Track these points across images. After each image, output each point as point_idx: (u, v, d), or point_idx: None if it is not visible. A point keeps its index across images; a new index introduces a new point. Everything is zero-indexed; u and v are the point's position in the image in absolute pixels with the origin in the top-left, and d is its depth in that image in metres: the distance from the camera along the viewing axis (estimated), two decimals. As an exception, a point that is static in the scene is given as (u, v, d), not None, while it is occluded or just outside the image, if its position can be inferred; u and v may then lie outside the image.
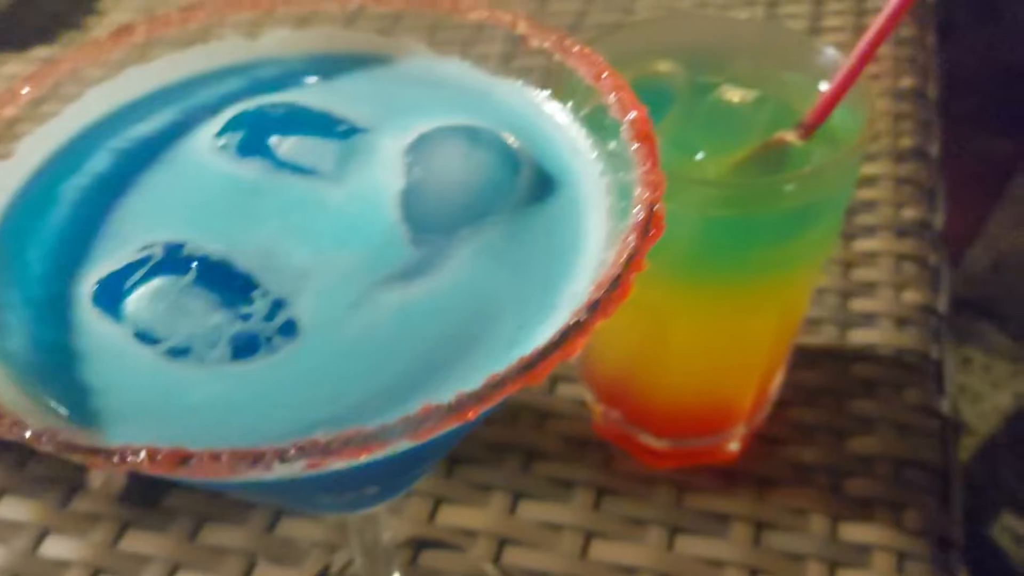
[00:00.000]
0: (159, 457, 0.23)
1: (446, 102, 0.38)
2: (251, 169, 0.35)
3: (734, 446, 0.61)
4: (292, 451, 0.23)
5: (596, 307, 0.27)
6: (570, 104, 0.37)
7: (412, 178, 0.34)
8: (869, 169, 0.80)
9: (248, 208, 0.33)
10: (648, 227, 0.29)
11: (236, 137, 0.35)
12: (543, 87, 0.38)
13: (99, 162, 0.35)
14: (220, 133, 0.36)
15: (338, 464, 0.24)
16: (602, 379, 0.61)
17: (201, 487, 0.39)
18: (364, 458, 0.24)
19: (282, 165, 0.35)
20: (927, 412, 0.64)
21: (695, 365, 0.56)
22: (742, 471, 0.61)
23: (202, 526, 0.59)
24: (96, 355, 0.29)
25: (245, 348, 0.29)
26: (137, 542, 0.59)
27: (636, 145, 0.32)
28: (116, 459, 0.23)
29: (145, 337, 0.29)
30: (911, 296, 0.70)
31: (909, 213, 0.76)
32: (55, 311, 0.30)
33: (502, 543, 0.58)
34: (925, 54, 0.92)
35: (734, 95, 0.54)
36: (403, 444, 0.24)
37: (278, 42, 0.40)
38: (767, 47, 0.55)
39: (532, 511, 0.59)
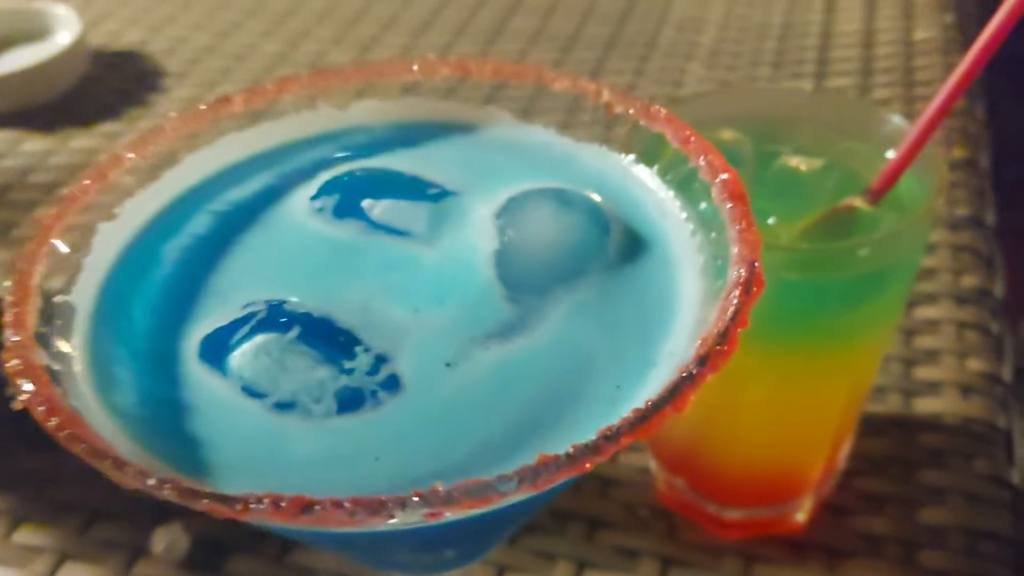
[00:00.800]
0: (283, 504, 0.23)
1: (532, 167, 0.39)
2: (346, 231, 0.36)
3: (802, 516, 0.60)
4: (414, 500, 0.23)
5: (705, 361, 0.27)
6: (656, 167, 0.37)
7: (504, 239, 0.34)
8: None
9: (345, 268, 0.34)
10: (751, 285, 0.29)
11: (331, 200, 0.36)
12: (628, 152, 0.38)
13: (198, 224, 0.36)
14: (315, 196, 0.37)
15: (454, 515, 0.24)
16: (667, 446, 0.61)
17: (291, 536, 0.38)
18: (481, 509, 0.24)
19: (377, 227, 0.36)
20: (997, 482, 0.62)
21: (764, 432, 0.56)
22: (810, 542, 0.60)
23: (266, 593, 0.59)
24: (203, 409, 0.30)
25: (350, 402, 0.29)
26: (201, 608, 0.59)
27: (730, 205, 0.32)
28: (239, 507, 0.24)
29: (251, 391, 0.30)
30: (975, 364, 0.69)
31: (968, 281, 0.76)
32: (162, 366, 0.31)
33: (569, 613, 0.57)
34: (976, 125, 0.93)
35: (800, 162, 0.55)
36: (519, 496, 0.24)
37: (367, 111, 0.41)
38: (830, 116, 0.56)
39: (598, 580, 0.59)
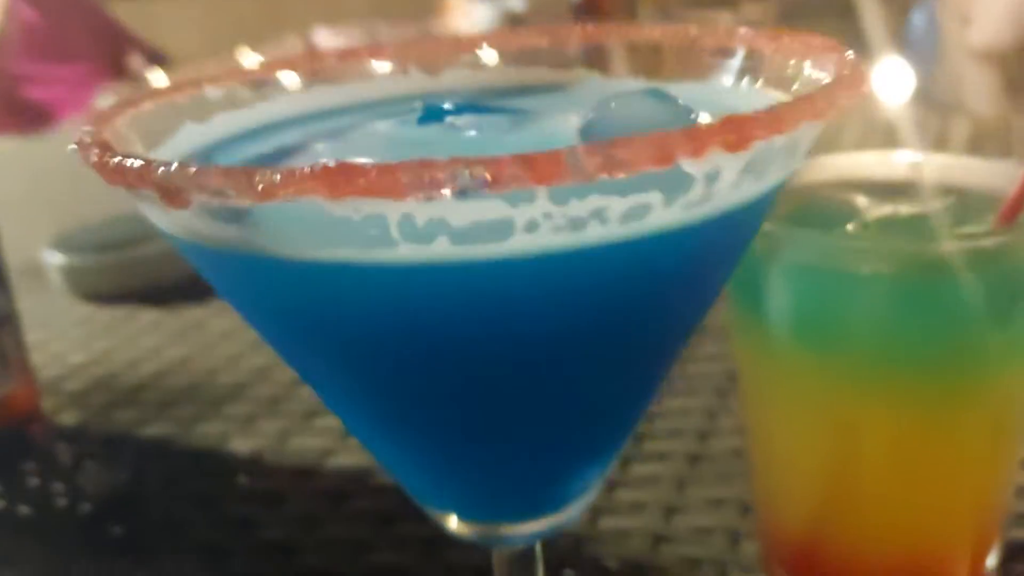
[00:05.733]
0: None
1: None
2: (429, 132, 0.35)
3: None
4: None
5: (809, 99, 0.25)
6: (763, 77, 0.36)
7: (589, 117, 0.33)
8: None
9: (422, 152, 0.33)
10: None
11: (415, 114, 0.36)
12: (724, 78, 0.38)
13: (289, 136, 0.37)
14: (398, 115, 0.37)
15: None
16: (785, 542, 0.53)
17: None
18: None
19: (459, 128, 0.35)
20: None
21: (891, 500, 0.48)
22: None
23: None
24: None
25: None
26: None
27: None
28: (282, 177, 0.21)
29: None
30: None
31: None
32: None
33: None
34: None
35: (918, 204, 0.52)
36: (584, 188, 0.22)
37: (458, 78, 0.42)
38: (943, 170, 0.54)
39: None
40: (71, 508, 0.64)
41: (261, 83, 0.38)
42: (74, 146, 0.25)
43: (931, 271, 0.44)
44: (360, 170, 0.21)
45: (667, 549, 0.58)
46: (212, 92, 0.37)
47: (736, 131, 0.23)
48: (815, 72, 0.32)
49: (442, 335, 0.26)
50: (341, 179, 0.21)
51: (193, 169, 0.22)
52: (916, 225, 0.49)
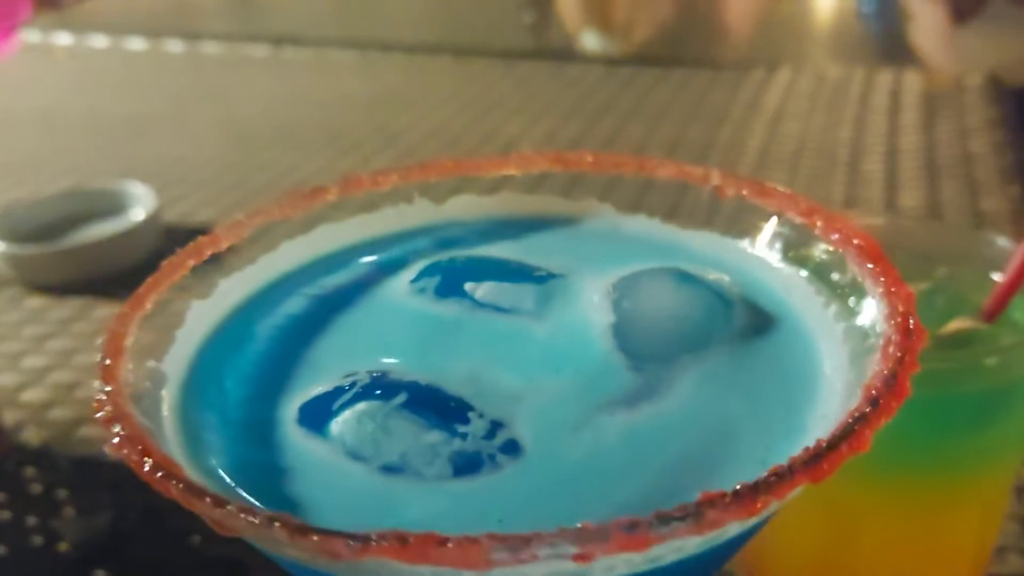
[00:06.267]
0: (411, 540, 0.20)
1: (639, 253, 0.37)
2: (450, 308, 0.34)
3: None
4: (560, 535, 0.20)
5: (877, 402, 0.24)
6: (777, 246, 0.35)
7: (622, 312, 0.32)
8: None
9: (450, 342, 0.32)
10: (911, 332, 0.26)
11: (433, 282, 0.35)
12: (741, 235, 0.37)
13: (293, 304, 0.35)
14: (416, 279, 0.35)
15: (607, 558, 0.21)
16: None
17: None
18: (639, 553, 0.20)
19: (481, 305, 0.34)
20: None
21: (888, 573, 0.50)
22: None
23: None
24: (302, 471, 0.27)
25: (467, 466, 0.26)
26: None
27: (870, 265, 0.30)
28: (355, 544, 0.20)
29: (355, 455, 0.27)
30: (1100, 522, 0.63)
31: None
32: (257, 432, 0.28)
33: None
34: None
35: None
36: (679, 539, 0.21)
37: (463, 206, 0.40)
38: (930, 243, 0.54)
39: None
40: (47, 547, 0.63)
41: (260, 235, 0.36)
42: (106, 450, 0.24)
43: (924, 385, 0.45)
44: (440, 541, 0.20)
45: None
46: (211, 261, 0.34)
47: (818, 472, 0.22)
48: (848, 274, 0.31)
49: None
50: (420, 549, 0.20)
51: (247, 517, 0.21)
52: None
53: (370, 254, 0.38)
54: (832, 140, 1.21)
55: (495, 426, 0.28)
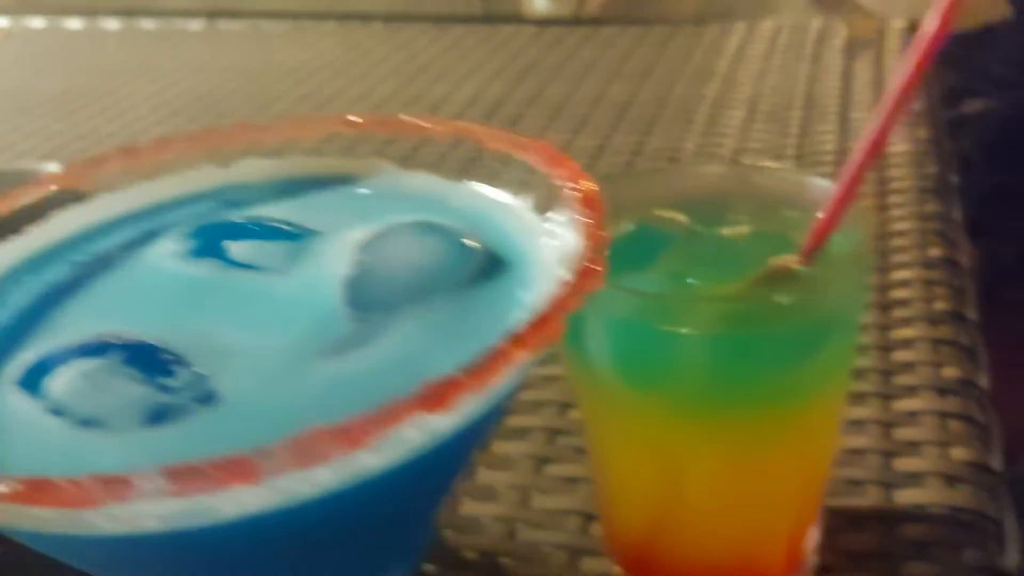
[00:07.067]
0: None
1: (408, 208, 0.38)
2: (202, 269, 0.35)
3: (774, 617, 0.55)
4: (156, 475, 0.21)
5: (516, 337, 0.25)
6: (531, 196, 0.36)
7: (357, 265, 0.33)
8: (904, 332, 0.77)
9: (190, 302, 0.33)
10: (584, 272, 0.27)
11: (190, 244, 0.36)
12: (502, 185, 0.38)
13: (54, 273, 0.36)
14: (175, 242, 0.36)
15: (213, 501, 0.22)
16: (623, 543, 0.57)
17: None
18: (244, 485, 0.22)
19: (232, 265, 0.35)
20: (989, 573, 0.57)
21: (714, 514, 0.52)
22: (786, 645, 0.54)
23: None
24: (9, 432, 0.28)
25: (160, 416, 0.28)
26: None
27: (586, 212, 0.31)
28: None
29: (56, 411, 0.28)
30: (960, 454, 0.65)
31: (950, 372, 0.72)
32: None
33: None
34: (951, 226, 0.92)
35: (733, 231, 0.53)
36: (290, 476, 0.22)
37: (249, 168, 0.41)
38: (764, 188, 0.55)
39: None
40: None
41: (29, 207, 0.37)
42: None
43: (738, 324, 0.46)
44: (54, 486, 0.22)
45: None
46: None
47: (437, 402, 0.23)
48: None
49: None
50: (36, 495, 0.21)
51: None
52: (727, 260, 0.50)
53: (146, 220, 0.39)
54: (764, 90, 1.21)
55: (199, 379, 0.29)
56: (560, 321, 0.26)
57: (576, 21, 1.54)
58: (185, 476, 0.21)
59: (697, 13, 1.67)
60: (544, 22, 1.60)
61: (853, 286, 0.48)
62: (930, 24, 0.44)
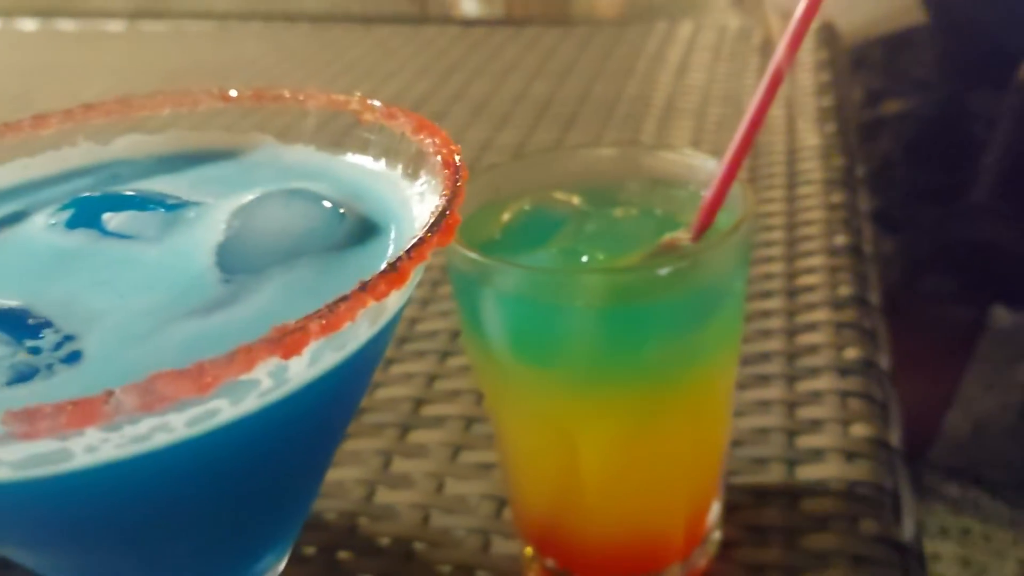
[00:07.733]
0: None
1: (286, 179, 0.38)
2: (76, 239, 0.35)
3: (676, 590, 0.56)
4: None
5: (364, 284, 0.25)
6: (401, 163, 0.37)
7: (228, 231, 0.33)
8: (809, 316, 0.79)
9: (61, 270, 0.33)
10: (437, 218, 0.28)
11: (66, 215, 0.35)
12: (376, 154, 0.38)
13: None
14: (52, 214, 0.36)
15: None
16: (531, 524, 0.57)
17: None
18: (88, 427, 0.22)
19: (107, 235, 0.35)
20: (885, 543, 0.59)
21: (613, 490, 0.53)
22: (688, 617, 0.55)
23: None
24: None
25: (24, 375, 0.27)
26: None
27: (444, 171, 0.32)
28: None
29: None
30: (860, 430, 0.67)
31: (852, 353, 0.74)
32: None
33: None
34: (856, 216, 0.94)
35: (623, 211, 0.54)
36: (133, 417, 0.22)
37: (130, 145, 0.41)
38: (656, 169, 0.56)
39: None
40: None
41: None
42: None
43: (627, 298, 0.47)
44: None
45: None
46: None
47: (286, 347, 0.24)
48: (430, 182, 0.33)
49: (51, 527, 0.27)
50: None
51: None
52: (619, 238, 0.51)
53: (25, 196, 0.38)
54: (683, 88, 1.23)
55: (65, 339, 0.29)
56: (408, 271, 0.26)
57: (500, 21, 1.55)
58: (29, 417, 0.21)
59: (621, 14, 1.69)
60: (470, 22, 1.61)
61: (736, 257, 0.49)
62: (799, 10, 0.46)
